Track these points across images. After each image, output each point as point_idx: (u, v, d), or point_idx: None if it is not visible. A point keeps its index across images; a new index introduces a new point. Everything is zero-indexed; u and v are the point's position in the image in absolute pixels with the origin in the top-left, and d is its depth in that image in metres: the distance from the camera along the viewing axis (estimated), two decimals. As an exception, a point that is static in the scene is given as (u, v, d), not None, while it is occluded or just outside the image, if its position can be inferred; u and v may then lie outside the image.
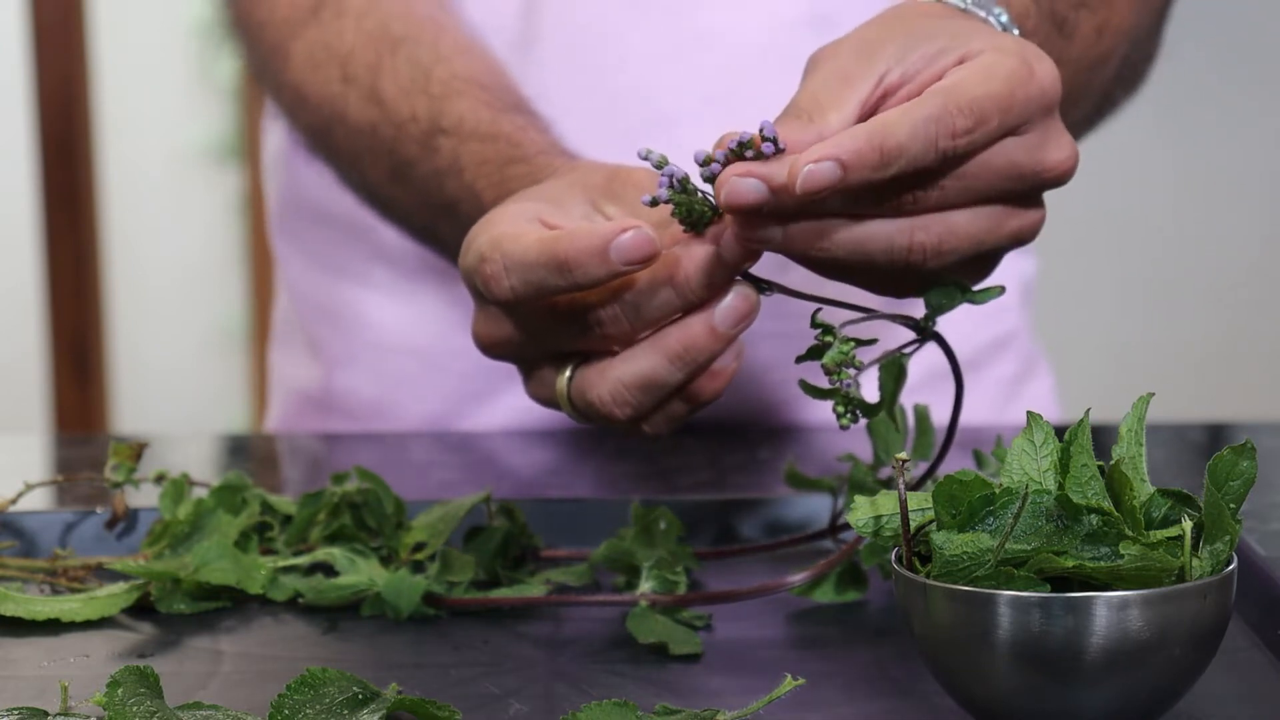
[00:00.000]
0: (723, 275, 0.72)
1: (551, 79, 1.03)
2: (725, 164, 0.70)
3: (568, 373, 0.76)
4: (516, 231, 0.74)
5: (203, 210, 3.08)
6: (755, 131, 0.70)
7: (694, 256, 0.72)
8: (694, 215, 0.72)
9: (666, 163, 0.71)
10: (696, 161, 0.71)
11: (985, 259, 0.75)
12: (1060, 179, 0.74)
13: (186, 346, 3.12)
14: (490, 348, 0.78)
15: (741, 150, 0.70)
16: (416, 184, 0.99)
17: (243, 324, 3.08)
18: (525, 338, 0.76)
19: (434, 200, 0.98)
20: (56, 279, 2.88)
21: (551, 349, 0.76)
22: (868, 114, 0.73)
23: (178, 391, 3.12)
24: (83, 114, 2.88)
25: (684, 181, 0.71)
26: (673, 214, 0.72)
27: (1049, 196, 0.75)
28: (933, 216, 0.72)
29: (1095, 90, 1.00)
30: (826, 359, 0.73)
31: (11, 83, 2.94)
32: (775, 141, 0.70)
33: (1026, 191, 0.74)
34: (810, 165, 0.68)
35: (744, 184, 0.70)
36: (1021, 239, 0.74)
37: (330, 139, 1.05)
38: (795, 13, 1.12)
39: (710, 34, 1.12)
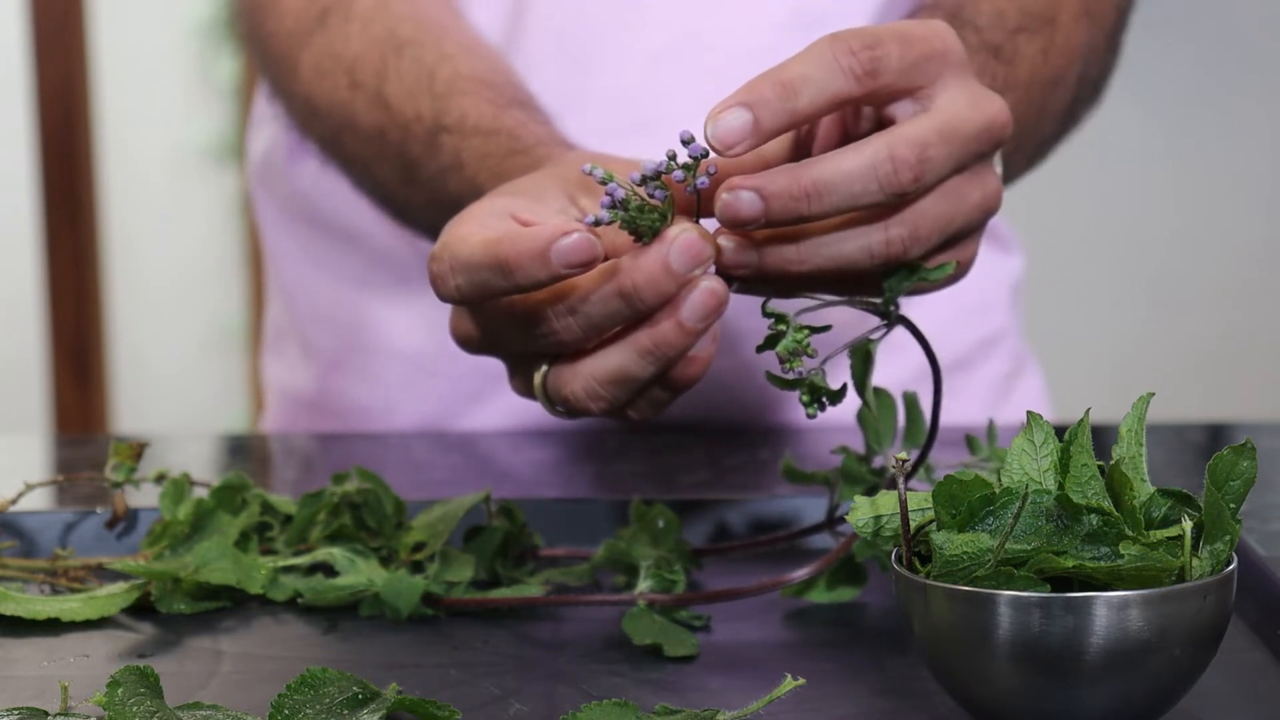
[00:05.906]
0: (671, 285, 0.72)
1: (538, 81, 1.03)
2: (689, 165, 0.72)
3: (543, 369, 0.76)
4: (468, 232, 0.74)
5: (202, 210, 3.08)
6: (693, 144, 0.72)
7: (641, 268, 0.72)
8: (639, 228, 0.72)
9: (611, 179, 0.71)
10: (681, 141, 0.72)
11: (958, 239, 0.76)
12: (1004, 129, 0.75)
13: (186, 347, 3.12)
14: (464, 344, 0.78)
15: (670, 167, 0.72)
16: (424, 184, 0.99)
17: (242, 324, 3.08)
18: (490, 337, 0.76)
19: (441, 199, 0.98)
20: (56, 279, 2.89)
21: (515, 350, 0.76)
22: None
23: (178, 391, 3.12)
24: (83, 114, 2.88)
25: (625, 201, 0.71)
26: (620, 227, 0.72)
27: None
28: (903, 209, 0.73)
29: (1055, 110, 1.01)
30: (780, 348, 0.73)
31: (11, 83, 2.94)
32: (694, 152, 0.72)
33: (978, 154, 0.74)
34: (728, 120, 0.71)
35: (743, 197, 0.70)
36: (988, 209, 0.75)
37: (341, 146, 1.06)
38: (783, 14, 1.12)
39: (697, 36, 1.12)
